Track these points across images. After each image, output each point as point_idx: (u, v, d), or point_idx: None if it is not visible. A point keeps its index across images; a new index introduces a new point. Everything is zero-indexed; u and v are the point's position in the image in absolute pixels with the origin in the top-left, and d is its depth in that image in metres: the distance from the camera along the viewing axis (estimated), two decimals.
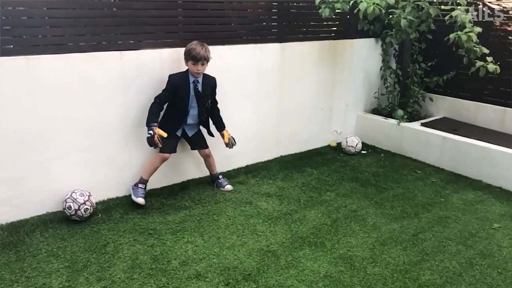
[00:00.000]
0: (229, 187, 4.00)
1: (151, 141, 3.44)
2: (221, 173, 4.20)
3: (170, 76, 3.58)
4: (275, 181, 4.21)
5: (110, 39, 3.52)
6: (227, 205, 3.68)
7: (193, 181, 4.12)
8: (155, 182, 3.90)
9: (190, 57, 3.52)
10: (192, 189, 3.97)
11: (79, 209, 3.24)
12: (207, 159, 3.98)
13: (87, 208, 3.28)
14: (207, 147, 3.93)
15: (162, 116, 3.66)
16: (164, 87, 3.60)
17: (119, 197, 3.72)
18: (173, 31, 3.85)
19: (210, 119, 3.90)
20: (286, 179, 4.27)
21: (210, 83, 3.74)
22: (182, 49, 3.75)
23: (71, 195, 3.28)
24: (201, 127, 3.90)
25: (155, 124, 3.49)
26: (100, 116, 3.53)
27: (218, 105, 3.91)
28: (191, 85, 3.61)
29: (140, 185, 3.64)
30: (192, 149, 3.95)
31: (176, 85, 3.58)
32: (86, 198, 3.30)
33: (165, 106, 3.66)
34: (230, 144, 3.94)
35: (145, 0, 3.63)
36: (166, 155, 3.67)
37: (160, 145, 3.48)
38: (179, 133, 3.76)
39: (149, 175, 3.69)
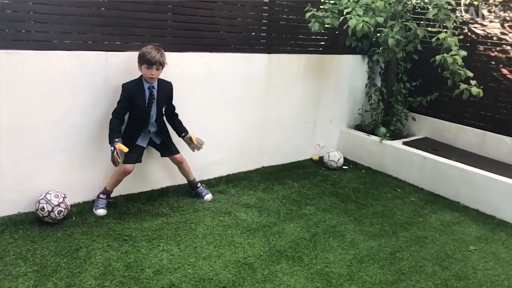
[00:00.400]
0: (208, 196, 3.92)
1: (112, 158, 3.26)
2: (202, 181, 4.15)
3: (123, 85, 3.40)
4: (255, 192, 4.18)
5: (96, 38, 3.45)
6: (206, 215, 3.63)
7: (172, 187, 4.05)
8: (132, 187, 3.83)
9: (144, 60, 3.33)
10: (171, 196, 3.90)
11: (52, 210, 3.14)
12: (181, 165, 3.81)
13: (61, 210, 3.18)
14: (177, 152, 3.75)
15: (124, 127, 3.53)
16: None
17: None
18: (161, 35, 3.81)
19: (169, 125, 3.76)
20: (267, 190, 4.24)
21: (166, 88, 3.58)
22: (170, 54, 3.71)
23: (45, 196, 3.18)
24: (170, 131, 3.77)
25: (117, 140, 3.30)
26: (81, 116, 3.44)
27: (209, 112, 3.89)
28: (147, 91, 3.45)
29: (101, 196, 3.53)
30: (162, 156, 3.78)
31: (131, 93, 3.40)
32: (61, 199, 3.20)
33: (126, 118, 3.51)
34: (198, 146, 3.79)
35: (135, 2, 3.59)
36: (129, 166, 3.47)
37: (118, 161, 3.27)
38: (143, 143, 3.60)
39: (112, 187, 3.57)
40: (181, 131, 3.76)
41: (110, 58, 3.47)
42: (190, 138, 3.75)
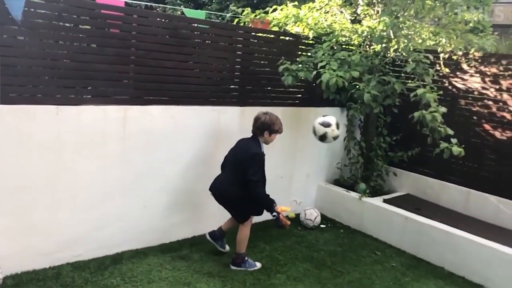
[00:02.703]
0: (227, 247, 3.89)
1: (279, 224, 3.41)
2: (164, 245, 3.85)
3: (258, 154, 3.51)
4: (221, 257, 3.81)
5: (46, 91, 3.19)
6: (161, 286, 3.24)
7: (128, 253, 3.67)
8: (83, 253, 3.46)
9: (274, 130, 3.58)
10: (125, 263, 3.52)
11: None
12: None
13: None
14: None
15: (247, 200, 3.52)
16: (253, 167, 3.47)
17: (36, 270, 3.24)
18: (122, 87, 3.57)
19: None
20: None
21: None
22: (131, 107, 3.51)
23: None
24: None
25: (275, 204, 3.44)
26: (27, 177, 3.13)
27: None
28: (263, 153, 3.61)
29: (247, 259, 3.65)
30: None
31: (263, 159, 3.54)
32: None
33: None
34: None
35: (95, 54, 3.37)
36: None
37: (288, 224, 3.43)
38: None
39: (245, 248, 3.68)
40: None
41: (62, 112, 3.20)
42: None
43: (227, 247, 3.88)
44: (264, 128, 3.58)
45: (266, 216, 4.68)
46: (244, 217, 3.65)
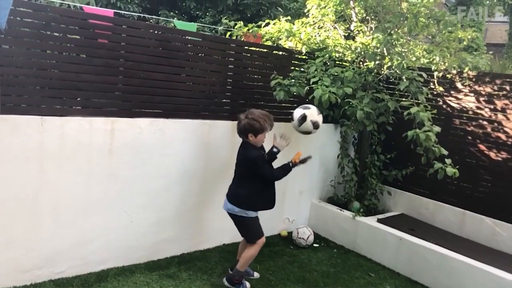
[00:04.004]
0: (256, 274, 3.82)
1: (305, 161, 3.59)
2: (151, 262, 3.68)
3: (257, 157, 3.42)
4: (211, 276, 3.68)
5: (31, 101, 3.10)
6: None
7: (113, 270, 3.53)
8: (66, 270, 3.32)
9: (259, 130, 3.39)
10: (110, 280, 3.38)
11: None
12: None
13: None
14: None
15: (255, 197, 3.46)
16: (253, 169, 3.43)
17: (16, 287, 3.09)
18: (110, 99, 3.48)
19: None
20: (224, 274, 3.74)
21: None
22: (119, 119, 3.42)
23: None
24: None
25: (291, 162, 3.52)
26: (7, 189, 3.01)
27: None
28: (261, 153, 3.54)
29: (243, 281, 3.54)
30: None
31: (263, 157, 3.51)
32: None
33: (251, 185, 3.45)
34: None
35: (81, 64, 3.29)
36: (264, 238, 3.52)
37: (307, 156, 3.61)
38: None
39: (246, 267, 3.57)
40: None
41: (47, 123, 3.10)
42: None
43: (256, 274, 3.82)
44: (247, 131, 3.40)
45: None
46: (257, 234, 3.48)
